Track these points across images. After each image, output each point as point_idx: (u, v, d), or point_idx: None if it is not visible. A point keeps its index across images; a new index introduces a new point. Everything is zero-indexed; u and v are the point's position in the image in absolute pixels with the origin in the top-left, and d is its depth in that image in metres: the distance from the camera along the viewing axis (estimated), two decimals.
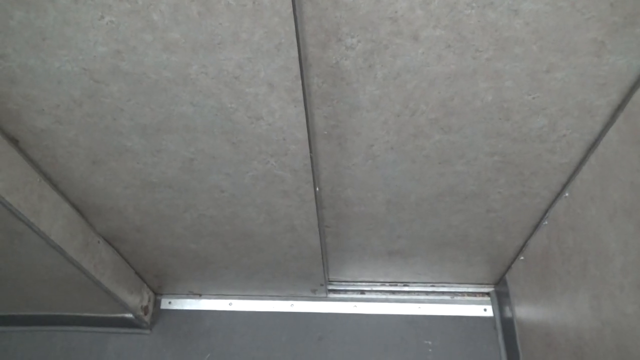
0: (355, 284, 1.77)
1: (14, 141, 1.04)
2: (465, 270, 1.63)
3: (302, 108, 0.92)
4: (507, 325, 1.61)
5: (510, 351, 1.56)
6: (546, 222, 1.27)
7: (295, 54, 0.80)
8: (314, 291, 1.74)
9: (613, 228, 0.96)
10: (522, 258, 1.47)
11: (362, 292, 1.77)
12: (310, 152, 1.04)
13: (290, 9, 0.73)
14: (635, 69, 0.85)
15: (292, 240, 1.40)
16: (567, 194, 1.15)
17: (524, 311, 1.47)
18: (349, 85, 0.92)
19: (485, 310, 1.71)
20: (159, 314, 1.81)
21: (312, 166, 1.08)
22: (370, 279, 1.76)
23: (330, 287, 1.78)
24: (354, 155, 1.11)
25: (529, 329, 1.43)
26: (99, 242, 1.40)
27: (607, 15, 0.77)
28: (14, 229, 1.14)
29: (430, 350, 1.66)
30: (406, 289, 1.75)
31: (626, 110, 0.90)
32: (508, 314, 1.59)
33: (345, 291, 1.77)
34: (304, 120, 0.95)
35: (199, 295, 1.82)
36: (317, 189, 1.19)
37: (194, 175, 1.14)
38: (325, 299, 1.77)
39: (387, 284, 1.76)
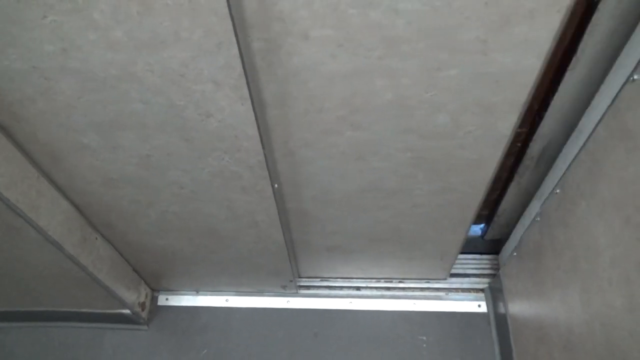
0: (350, 280, 1.79)
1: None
2: (404, 265, 1.65)
3: (249, 105, 0.92)
4: (500, 321, 1.63)
5: (504, 346, 1.58)
6: (538, 219, 1.29)
7: (235, 52, 0.81)
8: (284, 287, 1.75)
9: (602, 223, 0.98)
10: (515, 254, 1.48)
11: (358, 288, 1.79)
12: (263, 148, 1.04)
13: (226, 9, 0.74)
14: (525, 67, 0.86)
15: (256, 236, 1.41)
16: (558, 190, 1.17)
17: (517, 307, 1.49)
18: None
19: (479, 306, 1.73)
20: (156, 310, 1.82)
21: (266, 163, 1.09)
22: (321, 276, 1.80)
23: (300, 284, 1.79)
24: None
25: (521, 324, 1.45)
26: (96, 238, 1.42)
27: (484, 15, 0.78)
28: (12, 224, 1.15)
29: (424, 345, 1.67)
30: (401, 285, 1.77)
31: (614, 107, 0.92)
32: (501, 309, 1.61)
33: (341, 287, 1.79)
34: (253, 118, 0.96)
35: (196, 291, 1.84)
36: (276, 185, 1.20)
37: (152, 171, 1.15)
38: (314, 295, 1.80)
39: (383, 280, 1.78)
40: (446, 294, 1.75)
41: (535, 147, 1.35)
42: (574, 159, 1.09)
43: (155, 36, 0.79)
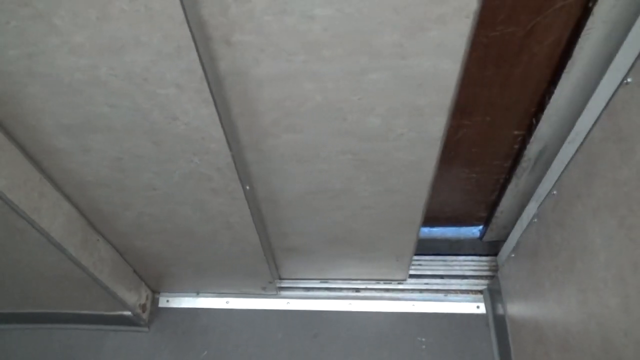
0: (350, 281, 1.80)
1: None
2: (362, 266, 1.67)
3: (213, 109, 0.93)
4: (499, 322, 1.64)
5: (502, 347, 1.59)
6: (536, 220, 1.30)
7: (195, 56, 0.82)
8: (264, 289, 1.76)
9: (597, 224, 0.99)
10: (513, 255, 1.50)
11: (357, 290, 1.80)
12: (231, 150, 1.05)
13: (182, 14, 0.75)
14: (444, 71, 0.87)
15: (232, 237, 1.41)
16: (554, 192, 1.18)
17: (515, 308, 1.50)
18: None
19: (478, 307, 1.74)
20: (157, 312, 1.83)
21: (235, 164, 1.10)
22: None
23: (281, 285, 1.80)
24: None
25: (520, 325, 1.46)
26: (98, 240, 1.43)
27: (396, 21, 0.78)
28: (14, 225, 1.16)
29: (424, 347, 1.68)
30: (400, 287, 1.78)
31: (609, 108, 0.93)
32: (500, 311, 1.62)
33: (341, 289, 1.80)
34: (218, 120, 0.96)
35: (196, 293, 1.85)
36: (248, 187, 1.21)
37: (125, 174, 1.16)
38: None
39: (382, 282, 1.79)
40: (445, 296, 1.76)
41: (532, 149, 1.36)
42: (570, 161, 1.10)
43: (115, 41, 0.80)
